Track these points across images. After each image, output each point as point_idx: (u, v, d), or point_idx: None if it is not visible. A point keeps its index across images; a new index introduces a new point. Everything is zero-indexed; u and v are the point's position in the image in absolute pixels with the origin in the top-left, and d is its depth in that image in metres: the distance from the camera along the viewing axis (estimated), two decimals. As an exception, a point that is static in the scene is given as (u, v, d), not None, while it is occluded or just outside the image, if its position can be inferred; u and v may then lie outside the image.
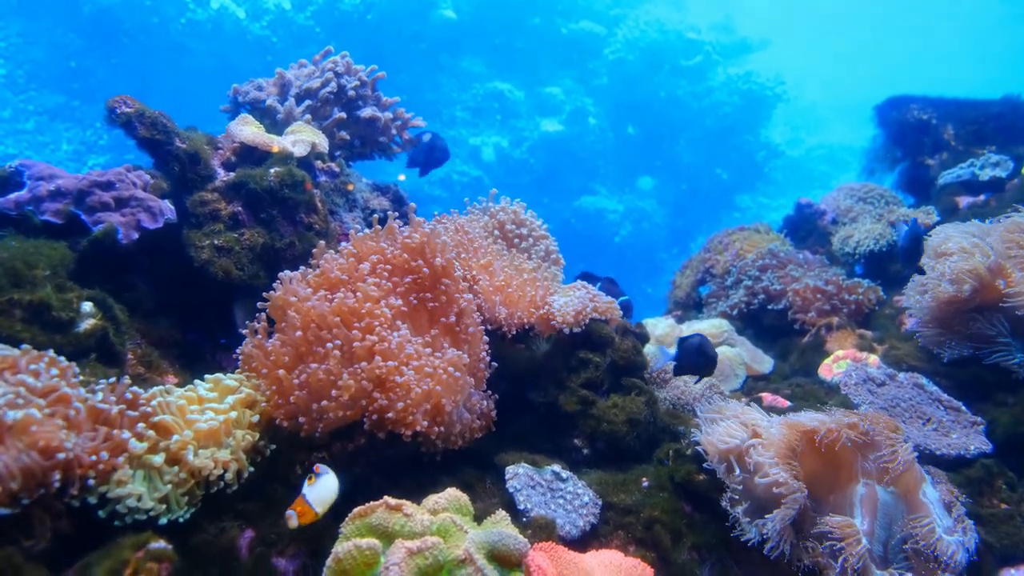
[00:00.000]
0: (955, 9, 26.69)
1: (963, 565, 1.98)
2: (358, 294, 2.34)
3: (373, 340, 2.22)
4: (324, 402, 2.16)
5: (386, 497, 1.79)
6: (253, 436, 2.15)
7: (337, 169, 3.43)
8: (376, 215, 2.85)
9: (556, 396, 2.76)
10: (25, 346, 1.90)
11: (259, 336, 2.38)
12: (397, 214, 2.90)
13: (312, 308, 2.29)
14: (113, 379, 2.03)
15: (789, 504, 2.00)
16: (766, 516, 2.08)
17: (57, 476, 1.69)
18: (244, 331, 2.45)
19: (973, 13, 26.68)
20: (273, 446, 2.24)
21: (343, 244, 2.70)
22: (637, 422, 2.66)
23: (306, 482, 1.89)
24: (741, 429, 2.27)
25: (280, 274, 2.49)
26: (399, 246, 2.56)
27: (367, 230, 2.68)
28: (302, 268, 2.56)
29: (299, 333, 2.26)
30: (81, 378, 1.97)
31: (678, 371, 2.92)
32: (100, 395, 1.92)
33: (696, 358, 2.76)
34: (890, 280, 4.21)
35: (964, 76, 22.16)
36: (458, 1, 15.98)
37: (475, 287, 2.79)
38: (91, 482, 1.78)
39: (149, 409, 2.00)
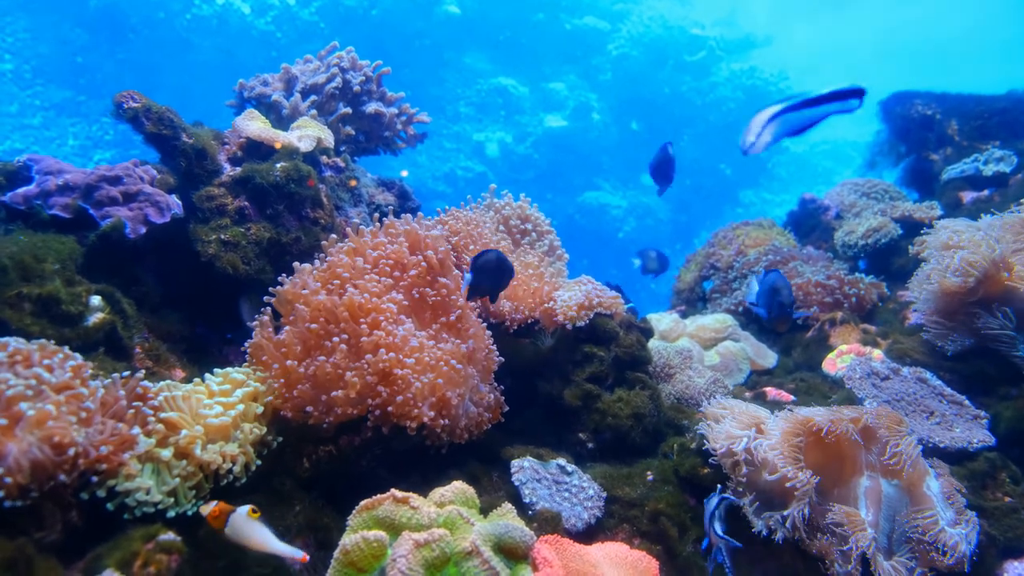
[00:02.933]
0: (960, 4, 26.59)
1: (966, 557, 1.99)
2: (356, 289, 2.35)
3: (380, 335, 2.23)
4: (332, 394, 2.18)
5: (393, 490, 1.80)
6: (260, 429, 2.17)
7: (342, 164, 3.44)
8: (381, 210, 2.86)
9: (561, 390, 2.78)
10: (42, 341, 1.92)
11: (269, 328, 2.40)
12: (402, 209, 2.91)
13: (321, 302, 2.30)
14: (127, 373, 2.04)
15: (801, 498, 2.01)
16: (773, 509, 2.09)
17: (68, 470, 1.70)
18: (251, 325, 2.46)
19: (978, 7, 26.57)
20: (280, 439, 2.26)
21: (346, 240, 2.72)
22: (642, 416, 2.67)
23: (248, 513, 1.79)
24: (746, 424, 2.28)
25: (297, 264, 2.50)
26: (397, 242, 2.57)
27: (373, 225, 2.69)
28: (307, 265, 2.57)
29: (312, 326, 2.28)
30: (91, 372, 1.98)
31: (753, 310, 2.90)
32: (111, 390, 1.93)
33: (769, 299, 2.77)
34: (894, 274, 4.21)
35: (969, 71, 22.09)
36: (462, -3, 16.00)
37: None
38: (96, 479, 1.79)
39: (158, 403, 2.01)
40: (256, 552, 1.78)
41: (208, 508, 1.79)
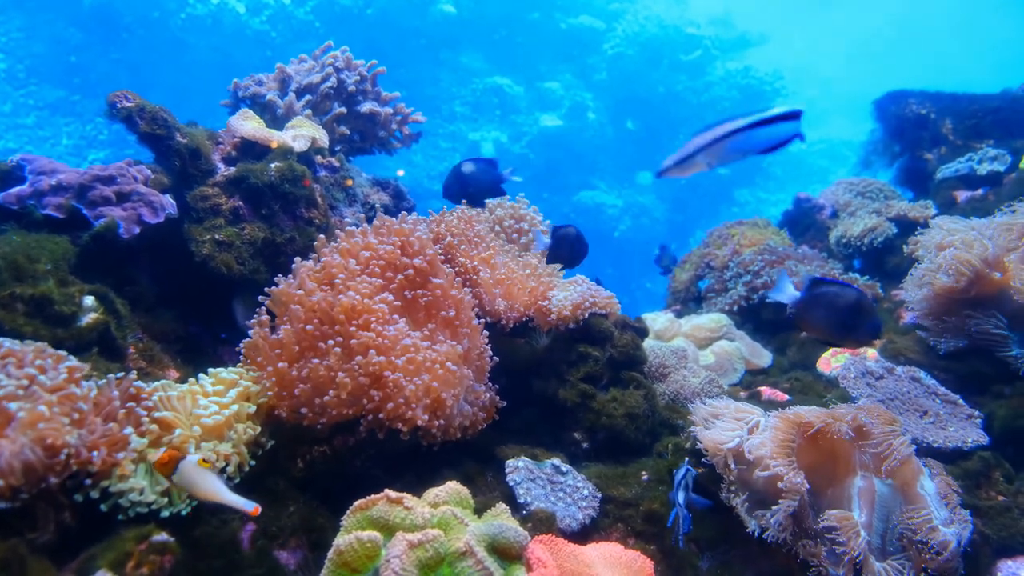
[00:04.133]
0: (955, 3, 26.67)
1: (960, 556, 2.00)
2: (350, 292, 2.35)
3: (369, 336, 2.23)
4: (325, 397, 2.18)
5: (387, 490, 1.80)
6: (255, 429, 2.17)
7: (337, 164, 3.44)
8: (374, 209, 2.85)
9: (556, 390, 2.78)
10: (39, 344, 1.91)
11: (266, 329, 2.39)
12: (397, 209, 2.91)
13: (316, 303, 2.30)
14: (122, 374, 2.03)
15: (790, 496, 2.02)
16: (766, 508, 2.09)
17: (60, 471, 1.70)
18: (244, 325, 2.46)
19: (973, 7, 26.67)
20: (272, 441, 2.25)
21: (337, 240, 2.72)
22: (636, 416, 2.67)
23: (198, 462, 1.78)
24: (739, 424, 2.29)
25: (298, 260, 2.50)
26: (388, 242, 2.57)
27: (363, 226, 2.69)
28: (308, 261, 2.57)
29: (308, 327, 2.27)
30: (85, 373, 1.98)
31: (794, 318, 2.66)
32: (104, 391, 1.93)
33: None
34: (889, 273, 4.22)
35: (963, 70, 22.16)
36: (457, -4, 16.00)
37: (476, 279, 2.80)
38: (89, 480, 1.79)
39: (151, 404, 2.01)
40: (206, 502, 1.76)
41: (157, 455, 1.77)
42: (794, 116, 1.90)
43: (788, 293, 2.58)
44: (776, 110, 1.96)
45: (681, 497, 2.03)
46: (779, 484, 2.05)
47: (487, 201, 3.31)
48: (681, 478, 2.08)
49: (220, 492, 1.73)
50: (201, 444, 2.01)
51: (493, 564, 1.69)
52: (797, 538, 2.06)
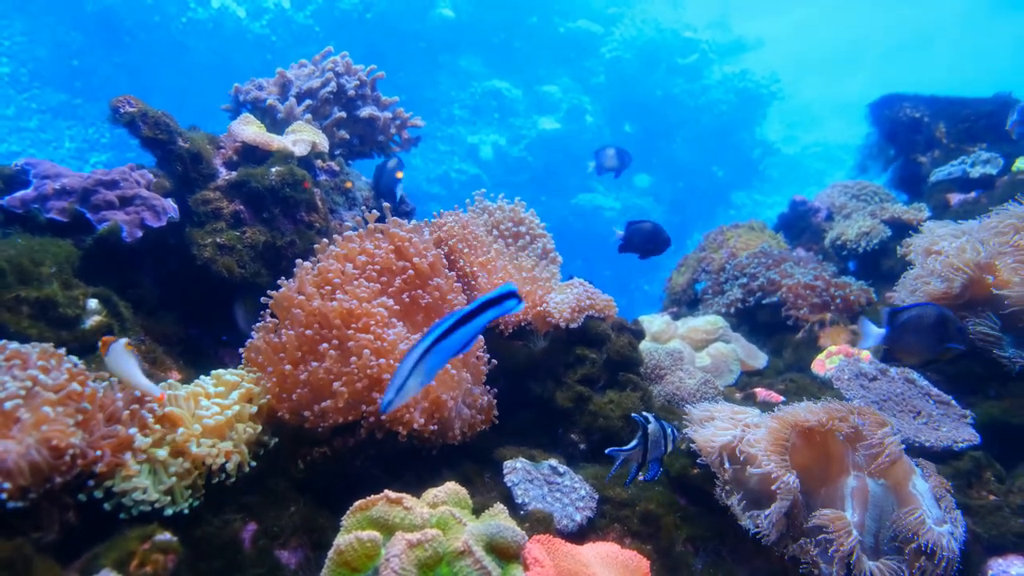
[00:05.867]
0: (949, 7, 26.72)
1: (952, 555, 2.02)
2: (346, 295, 2.37)
3: (367, 339, 2.26)
4: (326, 402, 2.20)
5: (386, 491, 1.83)
6: (255, 429, 2.19)
7: (337, 168, 3.47)
8: (373, 212, 2.88)
9: (553, 392, 2.80)
10: (44, 345, 1.94)
11: (271, 333, 2.41)
12: (396, 212, 2.93)
13: (316, 308, 2.32)
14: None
15: (783, 496, 2.04)
16: (761, 508, 2.12)
17: (65, 471, 1.73)
18: (246, 328, 2.48)
19: (968, 11, 26.72)
20: (276, 439, 2.28)
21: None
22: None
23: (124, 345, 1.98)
24: (733, 425, 2.31)
25: (299, 262, 2.53)
26: (384, 247, 2.60)
27: (360, 229, 2.71)
28: (308, 263, 2.59)
29: (308, 331, 2.30)
30: (89, 375, 2.00)
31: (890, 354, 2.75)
32: (108, 392, 1.96)
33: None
34: (884, 276, 4.25)
35: (957, 74, 22.21)
36: (456, 0, 16.00)
37: (475, 283, 2.83)
38: (91, 481, 1.82)
39: (155, 404, 2.03)
40: (124, 382, 1.98)
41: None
42: (512, 295, 1.64)
43: (874, 335, 2.65)
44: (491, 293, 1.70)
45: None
46: (772, 487, 2.07)
47: (485, 203, 3.33)
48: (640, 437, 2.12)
49: (133, 376, 1.94)
50: (202, 441, 2.04)
51: (491, 563, 1.71)
52: (791, 537, 2.09)
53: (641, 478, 2.16)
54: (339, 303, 2.33)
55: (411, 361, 1.58)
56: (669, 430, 2.15)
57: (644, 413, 2.16)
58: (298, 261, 2.54)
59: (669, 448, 2.15)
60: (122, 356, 1.95)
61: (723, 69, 17.90)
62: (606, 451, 2.14)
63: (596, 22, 17.50)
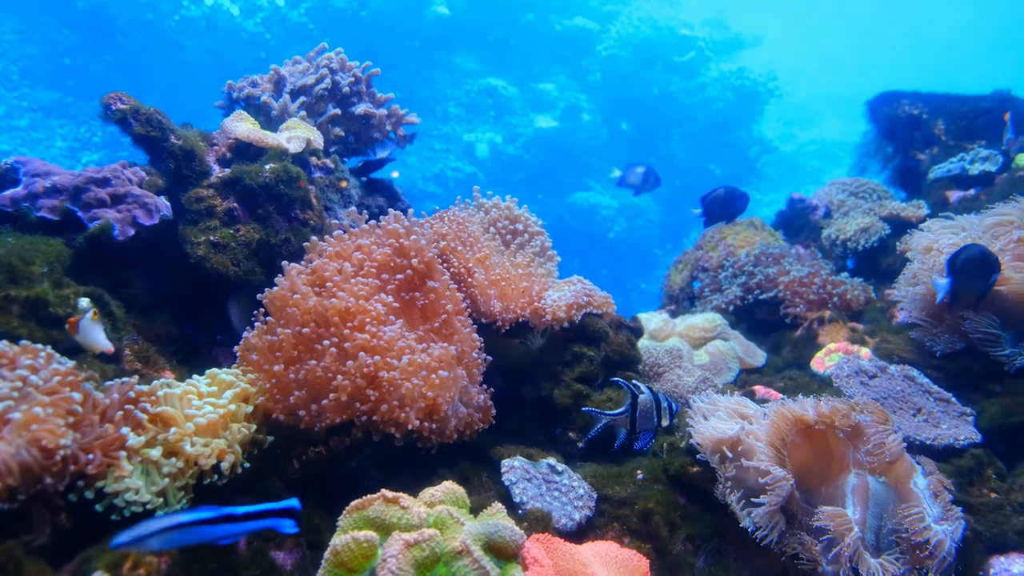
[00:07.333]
0: (948, 4, 26.79)
1: (952, 553, 2.01)
2: (342, 294, 2.35)
3: (364, 337, 2.23)
4: (323, 402, 2.18)
5: (383, 490, 1.81)
6: (249, 429, 2.17)
7: (332, 165, 3.44)
8: (370, 211, 2.86)
9: (551, 390, 2.78)
10: (27, 343, 1.91)
11: (266, 333, 2.39)
12: (391, 210, 2.91)
13: (312, 306, 2.30)
14: (126, 379, 2.04)
15: (776, 491, 2.02)
16: (760, 506, 2.10)
17: (56, 473, 1.70)
18: (240, 326, 2.46)
19: (967, 8, 26.78)
20: (271, 438, 2.25)
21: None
22: (631, 415, 2.68)
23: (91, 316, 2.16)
24: (734, 420, 2.29)
25: (286, 264, 2.50)
26: (384, 243, 2.57)
27: (359, 226, 2.69)
28: (299, 264, 2.57)
29: (304, 330, 2.28)
30: (80, 375, 1.98)
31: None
32: (101, 392, 1.93)
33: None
34: (882, 273, 4.24)
35: (956, 71, 22.24)
36: (452, -3, 16.00)
37: (471, 280, 2.80)
38: (81, 483, 1.79)
39: (148, 404, 2.01)
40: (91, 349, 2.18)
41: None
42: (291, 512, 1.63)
43: (942, 285, 2.90)
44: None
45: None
46: (760, 480, 2.06)
47: (482, 201, 3.31)
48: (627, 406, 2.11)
49: (97, 339, 2.16)
50: (195, 440, 2.01)
51: (489, 563, 1.69)
52: (791, 535, 2.07)
53: (636, 447, 2.14)
54: (337, 300, 2.31)
55: (164, 524, 1.52)
56: (666, 404, 2.13)
57: (635, 382, 2.14)
58: (284, 264, 2.51)
59: (666, 422, 2.13)
60: (92, 325, 2.15)
61: (720, 67, 17.89)
62: (582, 408, 2.14)
63: (592, 19, 17.49)
